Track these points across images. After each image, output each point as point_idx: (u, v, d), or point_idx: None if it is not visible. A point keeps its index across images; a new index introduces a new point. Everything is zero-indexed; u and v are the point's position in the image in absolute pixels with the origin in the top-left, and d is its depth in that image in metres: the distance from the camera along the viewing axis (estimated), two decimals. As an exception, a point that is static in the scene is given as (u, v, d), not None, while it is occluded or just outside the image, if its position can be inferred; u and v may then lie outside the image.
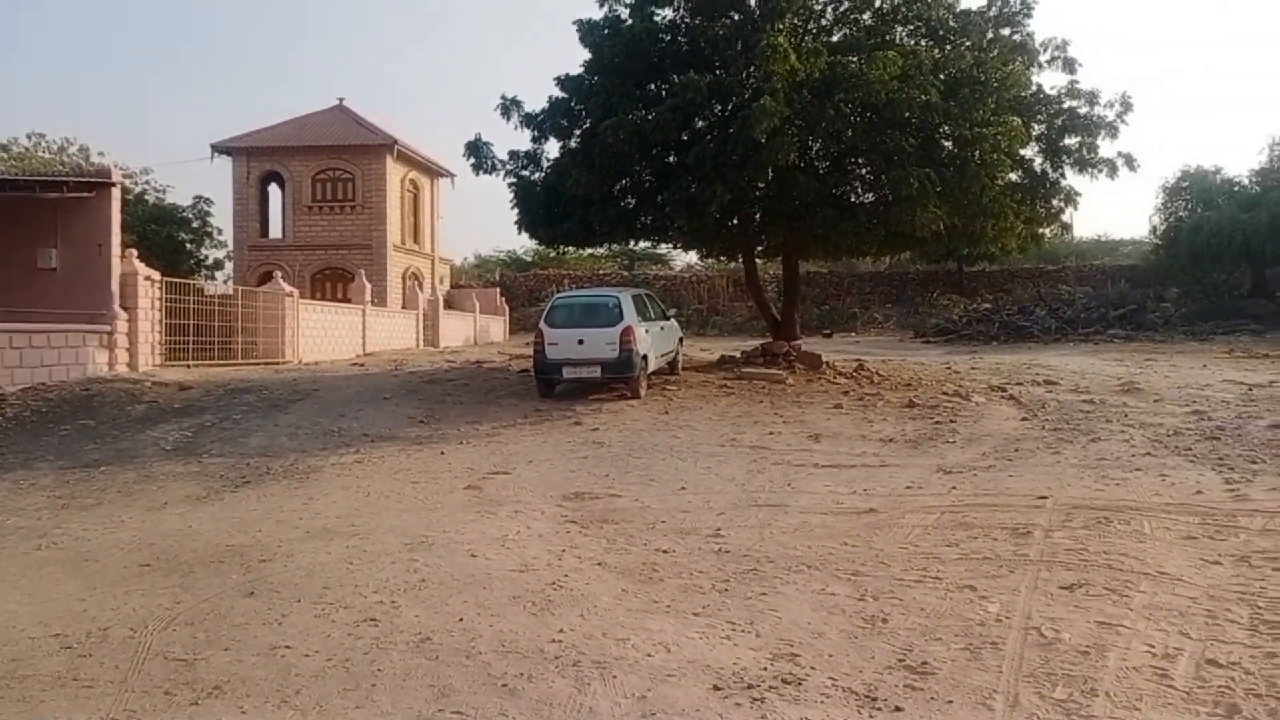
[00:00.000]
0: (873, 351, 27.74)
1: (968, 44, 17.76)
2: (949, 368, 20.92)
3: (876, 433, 12.45)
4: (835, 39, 18.16)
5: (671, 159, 17.19)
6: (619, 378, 15.48)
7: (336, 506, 8.80)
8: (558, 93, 18.71)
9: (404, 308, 35.57)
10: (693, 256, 43.46)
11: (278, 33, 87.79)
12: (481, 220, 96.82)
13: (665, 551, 7.01)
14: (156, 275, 19.42)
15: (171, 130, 75.80)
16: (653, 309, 17.80)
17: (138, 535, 7.83)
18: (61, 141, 41.17)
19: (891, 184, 15.56)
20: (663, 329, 17.88)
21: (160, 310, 19.35)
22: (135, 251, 19.36)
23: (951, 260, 44.28)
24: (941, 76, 16.52)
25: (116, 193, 18.90)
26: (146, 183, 40.04)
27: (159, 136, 79.59)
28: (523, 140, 19.40)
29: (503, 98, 18.45)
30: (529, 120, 18.62)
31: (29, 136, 40.86)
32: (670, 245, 23.03)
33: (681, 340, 20.01)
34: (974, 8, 18.32)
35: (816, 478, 9.70)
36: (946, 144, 16.45)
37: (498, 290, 48.55)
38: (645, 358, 15.69)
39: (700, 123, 16.87)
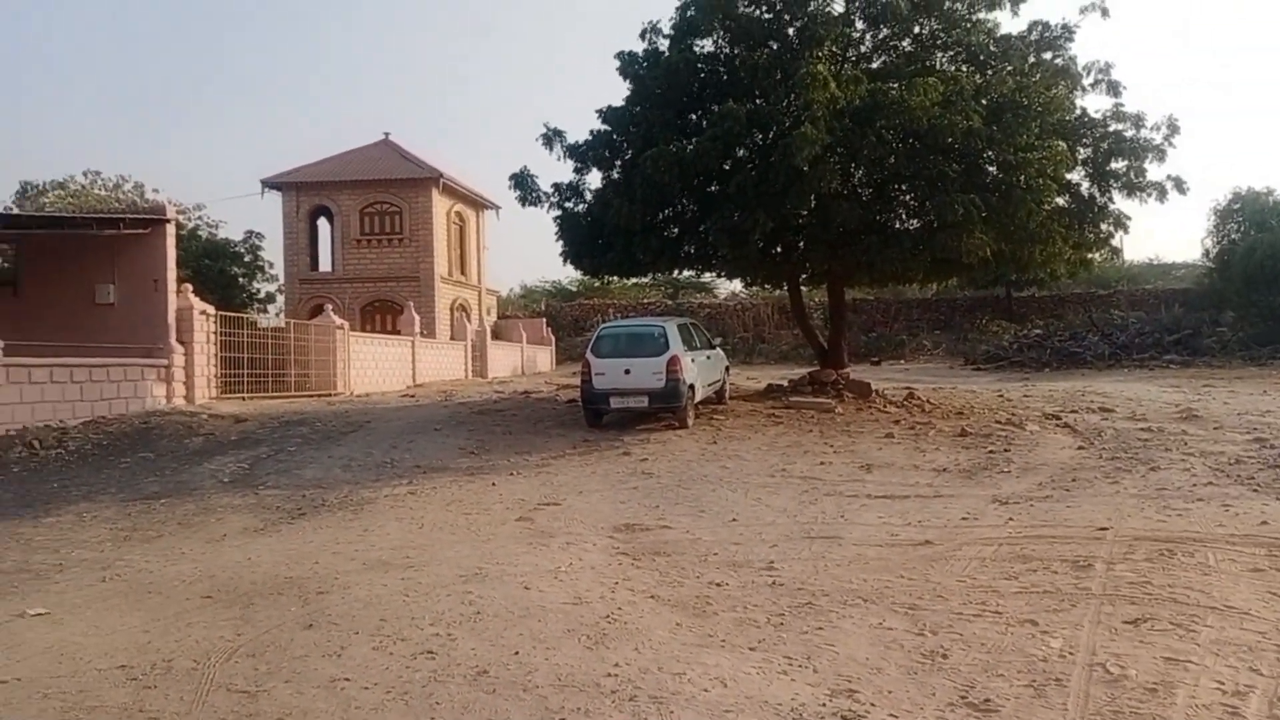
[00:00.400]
0: (922, 379, 27.52)
1: (1009, 69, 17.70)
2: (1001, 395, 20.68)
3: (929, 462, 12.32)
4: (875, 66, 18.18)
5: (713, 188, 17.29)
6: (666, 407, 15.50)
7: (391, 538, 8.88)
8: (599, 124, 18.96)
9: (452, 339, 35.94)
10: (737, 284, 43.49)
11: (326, 68, 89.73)
12: (526, 251, 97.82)
13: (718, 584, 6.99)
14: (211, 309, 19.84)
15: (223, 166, 77.58)
16: (698, 338, 17.82)
17: (198, 567, 7.97)
18: (116, 179, 42.26)
19: (936, 210, 15.50)
20: (709, 358, 17.88)
21: (215, 344, 19.74)
22: (190, 286, 19.81)
23: (1000, 286, 43.83)
24: (983, 102, 16.45)
25: (171, 229, 19.38)
26: (199, 218, 40.93)
27: (210, 173, 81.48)
28: (566, 171, 19.63)
29: (545, 129, 18.73)
30: (572, 151, 18.84)
31: (85, 174, 42.05)
32: (714, 274, 23.02)
33: (728, 369, 19.99)
34: (1014, 33, 18.27)
35: (870, 509, 9.62)
36: (991, 169, 16.36)
37: (544, 320, 48.89)
38: (692, 387, 15.70)
39: (741, 151, 16.97)
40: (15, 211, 33.11)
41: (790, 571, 7.27)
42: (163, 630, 6.28)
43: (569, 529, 9.03)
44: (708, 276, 33.75)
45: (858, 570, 7.26)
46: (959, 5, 17.93)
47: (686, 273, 24.81)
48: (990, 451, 12.94)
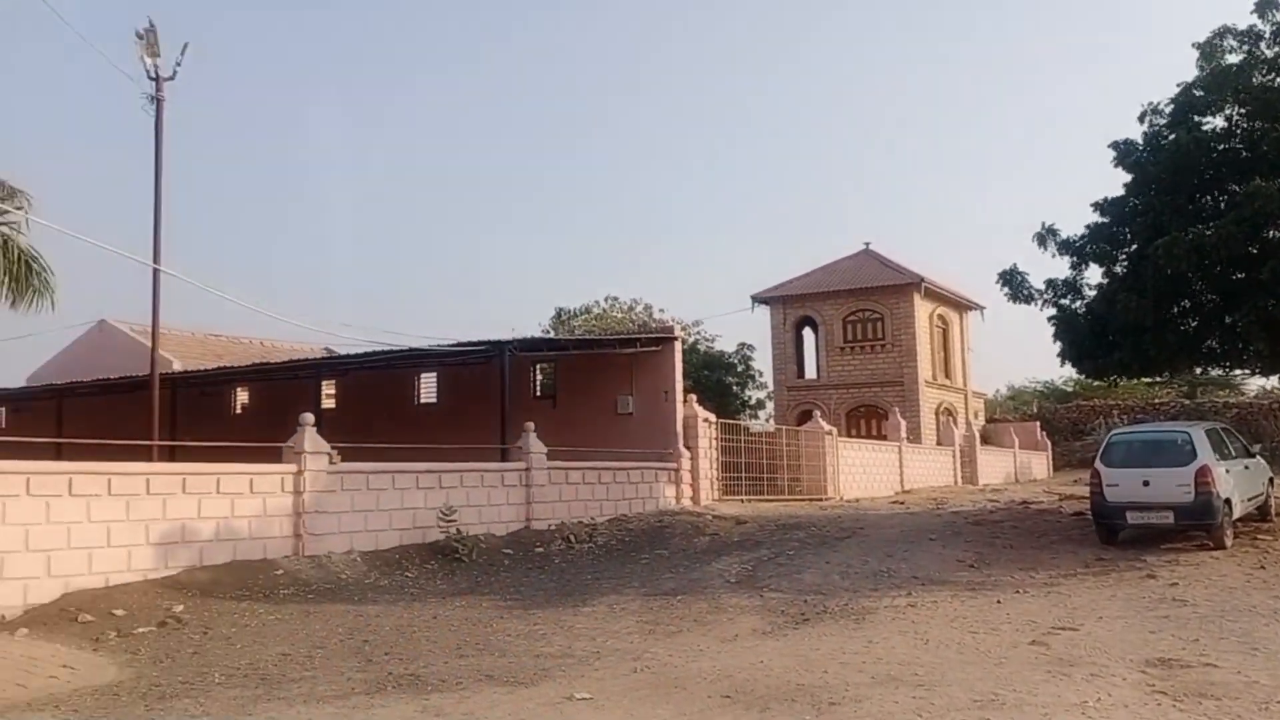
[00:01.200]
0: None
1: None
2: None
3: None
4: None
5: (1238, 276, 15.43)
6: (1197, 525, 13.76)
7: (896, 652, 8.75)
8: (1095, 217, 17.91)
9: (938, 444, 35.15)
10: (1273, 380, 37.73)
11: (805, 183, 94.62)
12: (1012, 351, 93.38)
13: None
14: (712, 417, 21.39)
15: (714, 284, 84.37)
16: (1231, 445, 15.69)
17: (716, 665, 8.43)
18: (630, 301, 47.48)
19: None
20: (1246, 468, 15.66)
21: (716, 449, 21.18)
22: (695, 396, 21.55)
23: None
24: None
25: (678, 345, 21.36)
26: (698, 333, 44.54)
27: (703, 290, 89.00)
28: (1057, 268, 18.66)
29: (1042, 226, 17.98)
30: (1066, 247, 17.90)
31: (606, 299, 47.72)
32: (1246, 370, 20.33)
33: (1272, 481, 17.29)
34: None
35: None
36: None
37: (1036, 424, 46.02)
38: (1228, 501, 13.82)
39: (1273, 233, 14.98)
40: (552, 335, 38.65)
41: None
42: (689, 725, 6.68)
43: (1092, 658, 8.26)
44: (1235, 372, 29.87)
45: None
46: None
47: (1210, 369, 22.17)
48: None
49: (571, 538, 16.35)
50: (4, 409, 31.68)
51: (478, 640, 9.73)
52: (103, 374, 27.48)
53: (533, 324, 49.78)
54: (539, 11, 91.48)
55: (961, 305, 42.65)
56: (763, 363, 43.32)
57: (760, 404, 44.98)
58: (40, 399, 30.09)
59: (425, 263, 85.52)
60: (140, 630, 10.06)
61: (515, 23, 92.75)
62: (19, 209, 16.28)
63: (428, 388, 26.51)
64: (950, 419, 38.96)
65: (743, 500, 21.28)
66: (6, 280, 15.58)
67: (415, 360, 23.25)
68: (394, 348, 21.35)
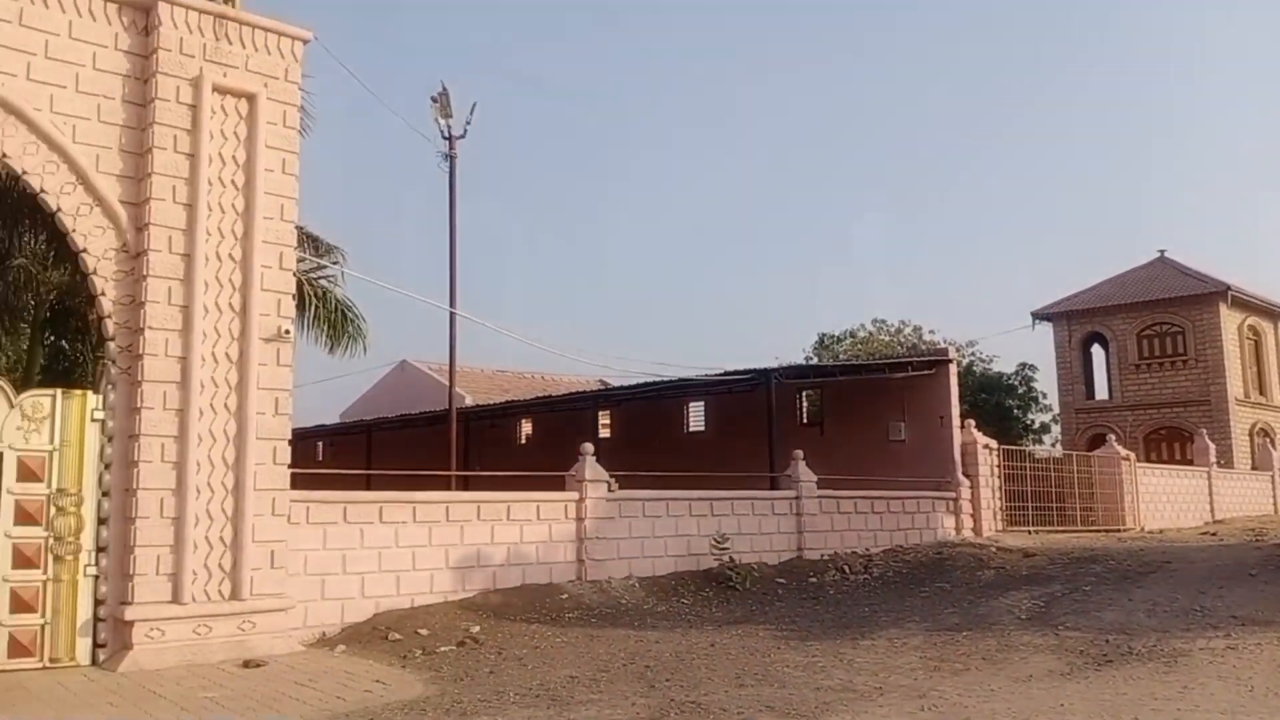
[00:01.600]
0: None
1: None
2: None
3: None
4: None
5: None
6: None
7: (1216, 700, 7.89)
8: None
9: (1253, 468, 31.62)
10: None
11: (1085, 189, 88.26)
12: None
13: None
14: (993, 443, 20.38)
15: (988, 300, 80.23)
16: None
17: (1011, 707, 7.94)
18: (898, 324, 46.10)
19: None
20: None
21: (998, 476, 20.15)
22: (972, 421, 20.61)
23: None
24: None
25: (953, 368, 20.55)
26: (973, 354, 42.53)
27: (977, 308, 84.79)
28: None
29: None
30: None
31: (872, 322, 46.63)
32: None
33: None
34: None
35: None
36: None
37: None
38: None
39: None
40: (815, 362, 38.28)
41: None
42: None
43: None
44: None
45: None
46: None
47: None
48: None
49: (846, 568, 16.02)
50: (322, 443, 35.29)
51: (756, 670, 9.70)
52: (405, 409, 30.09)
53: (796, 351, 49.51)
54: (780, 55, 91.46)
55: (1277, 313, 38.30)
56: (1046, 384, 40.77)
57: (1044, 428, 42.30)
58: (352, 433, 33.37)
59: (693, 294, 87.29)
60: (442, 649, 10.79)
61: (773, 73, 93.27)
62: (335, 264, 18.21)
63: (695, 416, 26.97)
64: (1268, 440, 34.93)
65: (1029, 531, 20.09)
66: (326, 328, 17.41)
67: (683, 390, 23.75)
68: (663, 378, 21.95)
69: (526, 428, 31.94)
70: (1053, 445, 38.57)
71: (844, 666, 9.88)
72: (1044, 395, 41.84)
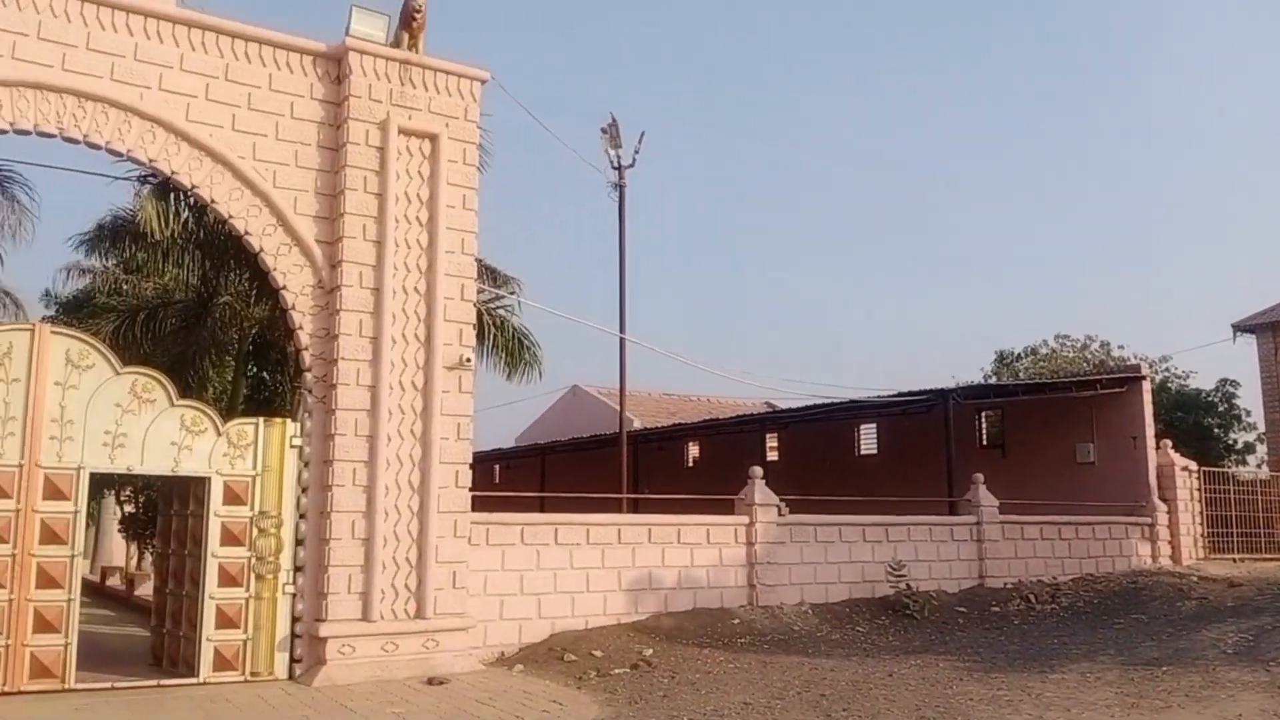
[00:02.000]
0: None
1: None
2: None
3: None
4: None
5: None
6: None
7: None
8: None
9: None
10: None
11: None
12: None
13: None
14: (1193, 465, 19.13)
15: (1183, 313, 75.01)
16: None
17: (1219, 751, 7.41)
18: (1083, 339, 43.77)
19: None
20: None
21: (1199, 501, 18.86)
22: (1169, 441, 19.37)
23: None
24: None
25: (1146, 386, 19.42)
26: (1166, 370, 39.91)
27: (1173, 322, 79.50)
28: None
29: None
30: None
31: (1056, 338, 44.43)
32: None
33: None
34: None
35: None
36: None
37: None
38: None
39: None
40: (994, 381, 36.82)
41: None
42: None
43: None
44: None
45: None
46: None
47: None
48: None
49: (1032, 597, 15.31)
50: (498, 466, 36.38)
51: (937, 702, 9.38)
52: (576, 433, 30.68)
53: (973, 370, 47.72)
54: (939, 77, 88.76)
55: None
56: (1250, 400, 37.78)
57: (1249, 448, 39.16)
58: (526, 457, 34.30)
59: (858, 313, 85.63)
60: (616, 671, 10.93)
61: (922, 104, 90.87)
62: (512, 294, 18.86)
63: (867, 439, 26.33)
64: None
65: (1234, 559, 18.65)
66: (504, 356, 18.03)
67: (854, 411, 23.26)
68: (833, 400, 21.59)
69: (694, 450, 32.00)
70: (1258, 466, 35.65)
71: (1032, 701, 9.44)
72: (1248, 413, 38.78)
